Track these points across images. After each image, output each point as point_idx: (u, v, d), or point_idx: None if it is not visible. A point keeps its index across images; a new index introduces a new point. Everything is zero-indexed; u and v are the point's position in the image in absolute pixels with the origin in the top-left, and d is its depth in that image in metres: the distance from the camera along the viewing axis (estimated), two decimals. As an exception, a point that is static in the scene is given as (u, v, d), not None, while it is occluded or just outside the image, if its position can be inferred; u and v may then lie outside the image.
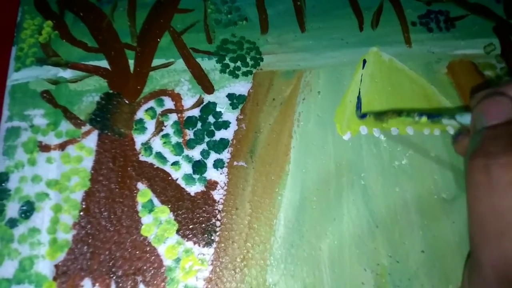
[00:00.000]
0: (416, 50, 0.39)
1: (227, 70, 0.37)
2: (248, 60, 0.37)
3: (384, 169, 0.34)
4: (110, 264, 0.30)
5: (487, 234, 0.24)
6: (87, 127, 0.34)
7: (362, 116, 0.36)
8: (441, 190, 0.34)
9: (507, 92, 0.27)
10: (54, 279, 0.29)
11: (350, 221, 0.33)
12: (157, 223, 0.31)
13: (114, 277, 0.29)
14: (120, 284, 0.29)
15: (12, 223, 0.30)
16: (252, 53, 0.38)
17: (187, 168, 0.33)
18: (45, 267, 0.29)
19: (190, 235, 0.31)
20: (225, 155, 0.34)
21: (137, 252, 0.30)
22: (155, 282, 0.30)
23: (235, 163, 0.34)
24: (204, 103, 0.35)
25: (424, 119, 0.31)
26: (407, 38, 0.40)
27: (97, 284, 0.29)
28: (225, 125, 0.35)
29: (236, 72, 0.37)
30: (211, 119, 0.35)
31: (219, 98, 0.36)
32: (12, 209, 0.31)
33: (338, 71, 0.38)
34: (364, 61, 0.38)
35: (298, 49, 0.38)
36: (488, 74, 0.39)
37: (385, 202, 0.33)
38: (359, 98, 0.37)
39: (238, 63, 0.37)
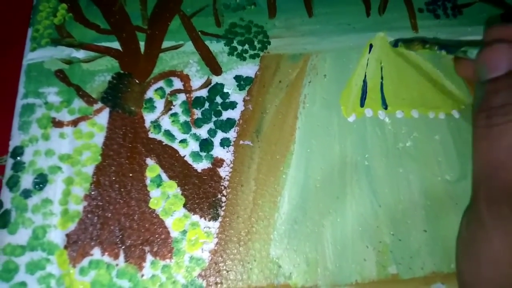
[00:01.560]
0: (423, 35, 0.40)
1: (235, 53, 0.38)
2: (255, 43, 0.38)
3: (388, 151, 0.35)
4: (119, 235, 0.31)
5: (485, 171, 0.25)
6: (99, 105, 0.35)
7: (395, 44, 0.38)
8: (445, 172, 0.34)
9: (507, 36, 0.27)
10: (65, 247, 0.30)
11: (353, 200, 0.33)
12: (164, 197, 0.32)
13: (122, 247, 0.30)
14: (129, 254, 0.30)
15: (26, 194, 0.32)
16: (259, 36, 0.38)
17: (194, 145, 0.34)
18: (56, 236, 0.31)
19: (197, 209, 0.32)
20: (232, 134, 0.35)
21: (145, 224, 0.31)
22: (162, 252, 0.31)
23: (241, 142, 0.34)
24: (212, 84, 0.36)
25: (443, 52, 0.33)
26: (414, 24, 0.40)
27: (106, 253, 0.30)
28: (232, 105, 0.36)
29: (244, 55, 0.38)
30: (218, 99, 0.36)
31: (227, 80, 0.36)
32: (27, 180, 0.32)
33: (344, 55, 0.38)
34: (371, 46, 0.39)
35: (305, 33, 0.39)
36: (494, 60, 0.39)
37: (389, 183, 0.34)
38: (365, 81, 0.37)
39: (246, 46, 0.38)
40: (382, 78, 0.37)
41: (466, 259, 0.26)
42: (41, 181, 0.32)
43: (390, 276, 0.31)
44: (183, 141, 0.34)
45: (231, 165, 0.34)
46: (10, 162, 0.32)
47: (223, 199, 0.32)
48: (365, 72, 0.38)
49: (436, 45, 0.34)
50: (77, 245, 0.30)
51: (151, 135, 0.34)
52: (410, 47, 0.36)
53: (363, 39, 0.39)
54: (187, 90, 0.36)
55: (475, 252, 0.25)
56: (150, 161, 0.33)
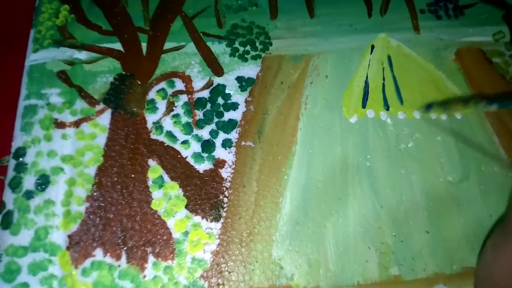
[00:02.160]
0: (425, 36, 0.40)
1: (237, 54, 0.38)
2: (257, 44, 0.38)
3: (390, 152, 0.35)
4: (121, 236, 0.31)
5: None
6: (101, 106, 0.35)
7: (428, 107, 0.35)
8: (447, 173, 0.34)
9: None
10: (67, 248, 0.30)
11: (355, 201, 0.33)
12: (166, 198, 0.32)
13: (125, 248, 0.31)
14: (131, 255, 0.30)
15: (29, 195, 0.32)
16: (261, 37, 0.38)
17: (196, 146, 0.34)
18: (59, 237, 0.31)
19: (199, 210, 0.32)
20: (233, 135, 0.35)
21: (147, 225, 0.31)
22: (164, 253, 0.31)
23: (243, 143, 0.34)
24: (214, 85, 0.36)
25: (494, 107, 0.29)
26: (416, 25, 0.40)
27: (108, 254, 0.30)
28: (234, 106, 0.36)
29: (246, 56, 0.38)
30: (220, 100, 0.36)
31: (229, 81, 0.36)
32: (29, 181, 0.32)
33: (346, 56, 0.38)
34: (372, 47, 0.39)
35: (307, 34, 0.39)
36: (496, 61, 0.39)
37: (391, 184, 0.34)
38: (366, 82, 0.37)
39: (248, 47, 0.38)
40: (383, 79, 0.37)
41: (487, 280, 0.26)
42: (43, 182, 0.32)
43: (392, 277, 0.31)
44: (185, 142, 0.34)
45: (233, 166, 0.34)
46: (12, 163, 0.33)
47: (225, 200, 0.32)
48: (367, 73, 0.38)
49: (483, 100, 0.29)
50: (79, 246, 0.30)
51: (153, 136, 0.34)
52: (448, 108, 0.33)
53: (364, 40, 0.39)
54: (189, 91, 0.36)
55: (498, 276, 0.25)
56: (152, 162, 0.33)
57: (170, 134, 0.34)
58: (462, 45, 0.39)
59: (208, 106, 0.36)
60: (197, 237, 0.31)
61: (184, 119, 0.35)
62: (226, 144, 0.34)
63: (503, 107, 0.29)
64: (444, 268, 0.31)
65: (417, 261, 0.32)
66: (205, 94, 0.36)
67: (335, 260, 0.31)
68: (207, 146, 0.34)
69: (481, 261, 0.30)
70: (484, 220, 0.33)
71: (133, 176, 0.33)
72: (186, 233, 0.31)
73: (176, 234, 0.31)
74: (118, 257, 0.30)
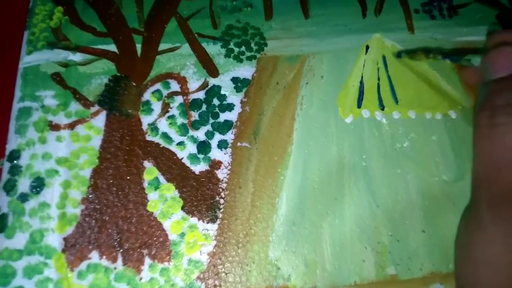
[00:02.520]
0: (419, 36, 0.40)
1: (232, 55, 0.38)
2: (252, 45, 0.38)
3: (385, 152, 0.35)
4: (117, 238, 0.31)
5: (487, 172, 0.25)
6: (96, 107, 0.35)
7: (398, 55, 0.38)
8: (442, 172, 0.35)
9: (510, 40, 0.27)
10: (63, 251, 0.30)
11: (351, 201, 0.33)
12: (162, 200, 0.32)
13: (121, 250, 0.30)
14: (127, 257, 0.30)
15: (23, 197, 0.31)
16: (256, 38, 0.38)
17: (192, 148, 0.34)
18: (54, 239, 0.30)
19: (195, 212, 0.32)
20: (229, 136, 0.35)
21: (143, 227, 0.31)
22: (160, 255, 0.30)
23: (238, 143, 0.34)
24: (209, 86, 0.36)
25: (447, 61, 0.34)
26: (410, 25, 0.40)
27: (104, 257, 0.30)
28: (230, 107, 0.36)
29: (241, 56, 0.38)
30: (215, 101, 0.36)
31: (224, 82, 0.36)
32: (23, 184, 0.32)
33: (341, 57, 0.38)
34: (367, 47, 0.39)
35: (302, 35, 0.39)
36: (490, 61, 0.39)
37: (386, 183, 0.34)
38: (361, 82, 0.37)
39: (243, 48, 0.38)
40: (378, 79, 0.38)
41: (465, 261, 0.26)
42: (38, 184, 0.32)
43: (388, 277, 0.31)
44: (180, 143, 0.34)
45: (229, 167, 0.34)
46: (6, 165, 0.32)
47: (221, 201, 0.32)
48: (362, 73, 0.38)
49: (439, 54, 0.34)
50: (75, 249, 0.30)
51: (149, 137, 0.34)
52: (414, 57, 0.37)
53: (359, 40, 0.39)
54: (184, 92, 0.36)
55: (473, 255, 0.25)
56: (147, 164, 0.33)
57: (165, 136, 0.34)
58: (456, 45, 0.39)
59: (204, 107, 0.35)
60: (193, 239, 0.31)
61: (180, 120, 0.35)
62: (222, 145, 0.34)
63: (453, 62, 0.35)
64: (441, 267, 0.32)
65: (414, 260, 0.32)
66: (201, 95, 0.36)
67: (331, 260, 0.31)
68: (203, 147, 0.34)
69: (456, 242, 0.29)
70: (480, 218, 0.33)
71: (128, 178, 0.32)
72: (182, 235, 0.31)
73: (173, 236, 0.31)
74: (114, 260, 0.30)
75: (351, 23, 0.40)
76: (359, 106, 0.36)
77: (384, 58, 0.38)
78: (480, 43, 0.40)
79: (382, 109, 0.36)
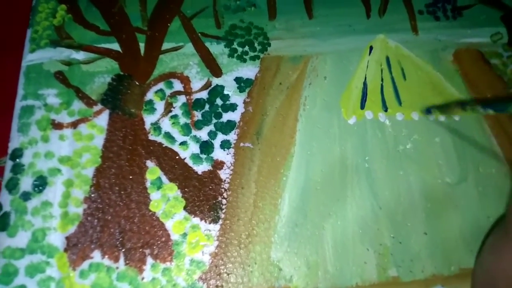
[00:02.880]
0: (423, 37, 0.40)
1: (235, 55, 0.37)
2: (256, 45, 0.38)
3: (388, 153, 0.35)
4: (120, 238, 0.31)
5: None
6: (99, 106, 0.35)
7: (427, 111, 0.36)
8: (445, 174, 0.35)
9: None
10: (65, 250, 0.30)
11: (353, 202, 0.33)
12: (165, 200, 0.32)
13: (123, 250, 0.30)
14: (129, 257, 0.30)
15: (26, 196, 0.31)
16: (260, 38, 0.38)
17: (194, 148, 0.34)
18: (56, 238, 0.30)
19: (197, 212, 0.32)
20: (232, 136, 0.35)
21: (146, 227, 0.31)
22: (162, 255, 0.30)
23: (241, 144, 0.34)
24: (212, 86, 0.36)
25: (490, 111, 0.29)
26: (414, 26, 0.40)
27: (106, 256, 0.30)
28: (232, 107, 0.36)
29: (244, 56, 0.37)
30: (218, 101, 0.36)
31: (227, 82, 0.36)
32: (26, 183, 0.32)
33: (344, 57, 0.38)
34: (371, 48, 0.39)
35: (306, 35, 0.39)
36: (494, 63, 0.39)
37: (389, 185, 0.34)
38: (365, 83, 0.37)
39: (246, 48, 0.38)
40: (382, 80, 0.37)
41: (485, 284, 0.26)
42: (41, 183, 0.32)
43: (390, 278, 0.31)
44: (183, 143, 0.34)
45: (232, 167, 0.34)
46: (9, 164, 0.32)
47: (224, 201, 0.32)
48: (365, 74, 0.38)
49: (478, 105, 0.30)
50: (77, 248, 0.30)
51: (151, 137, 0.34)
52: (447, 111, 0.35)
53: (363, 41, 0.39)
54: (187, 92, 0.36)
55: (496, 279, 0.24)
56: (150, 163, 0.33)
57: (168, 135, 0.34)
58: (460, 46, 0.39)
59: (207, 107, 0.35)
60: (195, 239, 0.31)
61: (183, 120, 0.35)
62: (225, 145, 0.34)
63: (498, 112, 0.29)
64: (442, 269, 0.32)
65: (415, 262, 0.32)
66: (204, 95, 0.36)
67: (333, 261, 0.31)
68: (206, 147, 0.34)
69: (479, 263, 0.30)
70: (482, 221, 0.33)
71: (131, 177, 0.32)
72: (184, 235, 0.31)
73: (175, 236, 0.31)
74: (116, 259, 0.30)
75: (355, 24, 0.40)
76: (362, 107, 0.36)
77: (387, 59, 0.38)
78: (484, 45, 0.40)
79: (386, 110, 0.36)
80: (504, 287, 0.25)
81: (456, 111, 0.34)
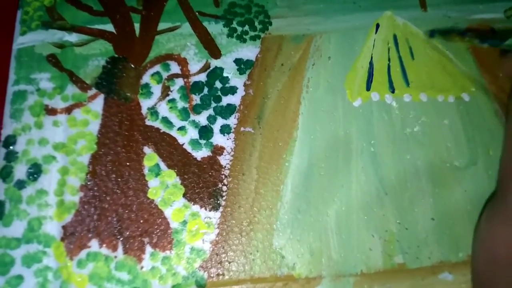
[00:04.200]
0: (432, 14, 0.38)
1: (235, 35, 0.36)
2: (256, 24, 0.36)
3: (395, 136, 0.34)
4: (117, 226, 0.30)
5: None
6: (93, 91, 0.33)
7: (431, 34, 0.36)
8: (454, 158, 0.33)
9: None
10: (62, 239, 0.29)
11: (358, 187, 0.32)
12: (163, 187, 0.31)
13: (121, 239, 0.30)
14: (127, 245, 0.29)
15: (20, 184, 0.31)
16: (260, 16, 0.36)
17: (193, 133, 0.33)
18: (53, 228, 0.30)
19: (197, 199, 0.31)
20: (232, 121, 0.33)
21: (144, 215, 0.30)
22: (161, 243, 0.30)
23: (242, 128, 0.33)
24: (211, 68, 0.35)
25: (486, 45, 0.31)
26: (422, 2, 0.38)
27: (104, 245, 0.30)
28: (232, 90, 0.34)
29: (244, 36, 0.36)
30: (218, 84, 0.34)
31: (226, 63, 0.35)
32: (20, 171, 0.31)
33: (349, 36, 0.36)
34: (377, 26, 0.37)
35: (308, 12, 0.37)
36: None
37: (395, 169, 0.33)
38: (371, 63, 0.36)
39: (246, 27, 0.36)
40: (389, 60, 0.36)
41: (485, 257, 0.25)
42: (35, 171, 0.31)
43: (396, 265, 0.30)
44: (181, 128, 0.33)
45: (232, 153, 0.32)
46: (2, 151, 0.31)
47: (224, 188, 0.31)
48: (372, 54, 0.36)
49: (477, 38, 0.32)
50: (74, 237, 0.30)
51: (148, 122, 0.33)
52: (448, 38, 0.35)
53: (369, 18, 0.37)
54: (185, 74, 0.34)
55: (496, 251, 0.24)
56: (147, 150, 0.32)
57: (166, 120, 0.33)
58: (471, 23, 0.37)
59: (205, 90, 0.34)
60: (195, 227, 0.30)
61: (181, 104, 0.34)
62: (225, 130, 0.33)
63: (494, 46, 0.31)
64: (450, 256, 0.31)
65: (422, 249, 0.31)
66: (202, 77, 0.34)
67: (337, 248, 0.30)
68: (205, 132, 0.33)
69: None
70: (492, 206, 0.32)
71: (128, 164, 0.31)
72: (184, 223, 0.30)
73: (174, 224, 0.30)
74: (114, 248, 0.29)
75: (360, 0, 0.38)
76: (368, 88, 0.35)
77: (395, 37, 0.36)
78: (497, 20, 0.38)
79: (393, 91, 0.35)
80: (503, 254, 0.23)
81: (456, 38, 0.34)
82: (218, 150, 0.32)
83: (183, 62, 0.35)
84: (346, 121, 0.34)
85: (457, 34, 0.34)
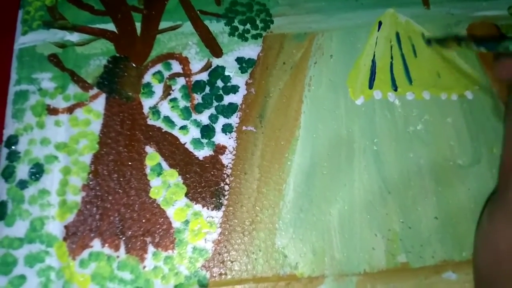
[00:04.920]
0: (435, 11, 0.37)
1: (236, 33, 0.36)
2: (257, 22, 0.36)
3: (398, 135, 0.33)
4: (120, 226, 0.30)
5: None
6: (95, 90, 0.33)
7: (428, 42, 0.36)
8: (457, 156, 0.33)
9: None
10: (64, 239, 0.29)
11: (361, 186, 0.32)
12: (165, 186, 0.31)
13: (123, 238, 0.30)
14: (130, 245, 0.29)
15: (22, 184, 0.31)
16: (262, 15, 0.36)
17: (195, 132, 0.33)
18: (55, 227, 0.30)
19: (199, 198, 0.31)
20: (234, 120, 0.33)
21: (146, 214, 0.30)
22: (164, 243, 0.30)
23: (244, 127, 0.33)
24: (213, 67, 0.35)
25: (482, 49, 0.30)
26: (425, -1, 0.38)
27: (106, 245, 0.29)
28: (234, 89, 0.34)
29: (246, 35, 0.36)
30: (219, 83, 0.34)
31: (228, 62, 0.35)
32: (22, 171, 0.31)
33: (351, 34, 0.36)
34: (380, 23, 0.37)
35: (310, 10, 0.37)
36: None
37: (398, 168, 0.32)
38: (373, 61, 0.35)
39: (248, 26, 0.36)
40: (392, 57, 0.36)
41: (487, 253, 0.25)
42: (37, 171, 0.31)
43: (399, 265, 0.30)
44: (183, 127, 0.33)
45: (234, 152, 0.32)
46: (4, 151, 0.31)
47: (226, 187, 0.31)
48: (374, 52, 0.36)
49: (472, 42, 0.31)
50: (76, 237, 0.30)
51: (150, 121, 0.33)
52: (445, 45, 0.35)
53: (371, 16, 0.37)
54: (186, 73, 0.34)
55: (498, 247, 0.24)
56: (149, 149, 0.32)
57: (167, 119, 0.33)
58: (474, 20, 0.37)
59: (207, 89, 0.34)
60: (198, 226, 0.30)
61: (182, 103, 0.33)
62: (227, 129, 0.33)
63: (489, 50, 0.30)
64: (453, 255, 0.30)
65: (426, 248, 0.31)
66: (204, 76, 0.34)
67: (340, 248, 0.30)
68: (207, 131, 0.33)
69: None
70: (496, 205, 0.32)
71: (130, 163, 0.31)
72: (186, 222, 0.30)
73: (176, 223, 0.30)
74: (116, 248, 0.29)
75: (363, -2, 0.38)
76: (370, 86, 0.35)
77: (397, 35, 0.36)
78: (501, 17, 0.37)
79: (395, 89, 0.34)
80: (505, 248, 0.23)
81: (452, 45, 0.34)
82: (220, 149, 0.32)
83: (184, 61, 0.34)
84: (349, 119, 0.34)
85: (453, 40, 0.34)
